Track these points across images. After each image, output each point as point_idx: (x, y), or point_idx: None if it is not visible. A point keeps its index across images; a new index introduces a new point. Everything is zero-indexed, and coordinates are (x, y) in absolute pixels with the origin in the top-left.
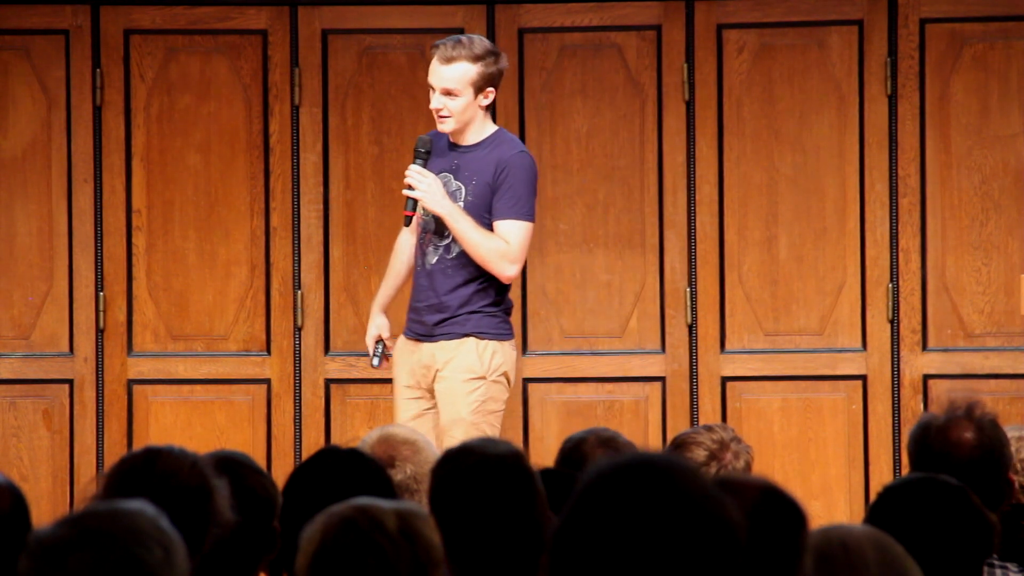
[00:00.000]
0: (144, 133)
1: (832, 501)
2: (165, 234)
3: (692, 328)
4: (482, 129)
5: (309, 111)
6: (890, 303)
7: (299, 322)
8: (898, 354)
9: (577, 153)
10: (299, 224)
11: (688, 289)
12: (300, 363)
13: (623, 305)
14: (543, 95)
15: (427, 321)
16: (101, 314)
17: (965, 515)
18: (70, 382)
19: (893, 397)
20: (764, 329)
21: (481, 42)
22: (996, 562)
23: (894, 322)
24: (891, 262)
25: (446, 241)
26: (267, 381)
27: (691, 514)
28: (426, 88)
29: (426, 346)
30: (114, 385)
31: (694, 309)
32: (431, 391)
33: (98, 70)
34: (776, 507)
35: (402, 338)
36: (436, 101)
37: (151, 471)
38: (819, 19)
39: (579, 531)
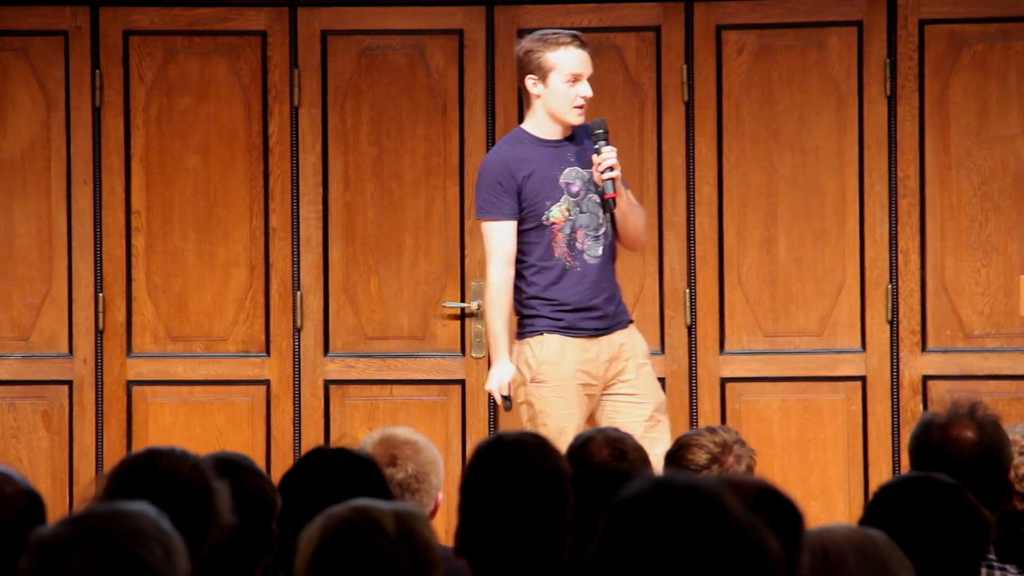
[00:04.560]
0: (143, 134)
1: (831, 502)
2: (164, 235)
3: (691, 329)
4: None
5: (308, 112)
6: (889, 304)
7: (298, 323)
8: (897, 355)
9: None
10: (298, 225)
11: (687, 290)
12: (299, 364)
13: None
14: None
15: (608, 313)
16: (100, 315)
17: (961, 513)
18: (69, 383)
19: (892, 398)
20: (763, 330)
21: None
22: (995, 563)
23: (893, 323)
24: (890, 263)
25: (603, 228)
26: (266, 382)
27: (730, 542)
28: (426, 89)
29: (605, 338)
30: (113, 386)
31: (693, 310)
32: (607, 382)
33: (97, 71)
34: (773, 507)
35: (563, 339)
36: (588, 89)
37: (152, 473)
38: (818, 20)
39: (613, 562)
